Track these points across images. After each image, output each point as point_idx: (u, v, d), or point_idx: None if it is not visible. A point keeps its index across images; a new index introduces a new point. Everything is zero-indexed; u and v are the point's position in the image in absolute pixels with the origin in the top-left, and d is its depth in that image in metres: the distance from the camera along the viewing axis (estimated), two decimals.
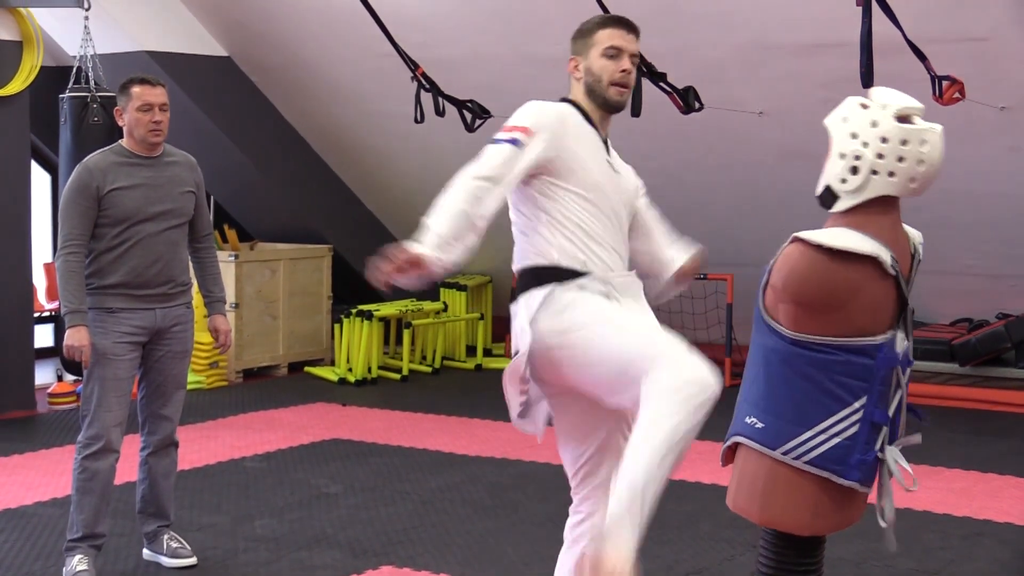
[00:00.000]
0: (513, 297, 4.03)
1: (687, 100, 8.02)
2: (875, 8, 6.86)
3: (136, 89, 5.41)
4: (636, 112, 7.72)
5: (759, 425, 3.56)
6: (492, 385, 10.28)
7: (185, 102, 10.51)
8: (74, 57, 9.00)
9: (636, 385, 3.53)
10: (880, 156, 3.47)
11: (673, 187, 9.82)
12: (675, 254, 4.25)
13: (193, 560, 5.65)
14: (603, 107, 3.99)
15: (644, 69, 7.94)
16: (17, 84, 9.00)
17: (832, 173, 3.55)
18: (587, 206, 3.89)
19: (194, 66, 10.55)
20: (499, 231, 11.89)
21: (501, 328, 11.63)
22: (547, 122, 3.89)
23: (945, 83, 7.18)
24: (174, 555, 5.64)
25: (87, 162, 5.37)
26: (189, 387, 9.79)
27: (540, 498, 6.81)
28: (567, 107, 4.00)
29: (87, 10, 8.73)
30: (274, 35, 10.46)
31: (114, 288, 5.32)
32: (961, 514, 6.47)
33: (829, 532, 3.64)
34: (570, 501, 4.22)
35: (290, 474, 7.35)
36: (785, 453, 3.52)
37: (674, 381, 3.46)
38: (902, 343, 3.56)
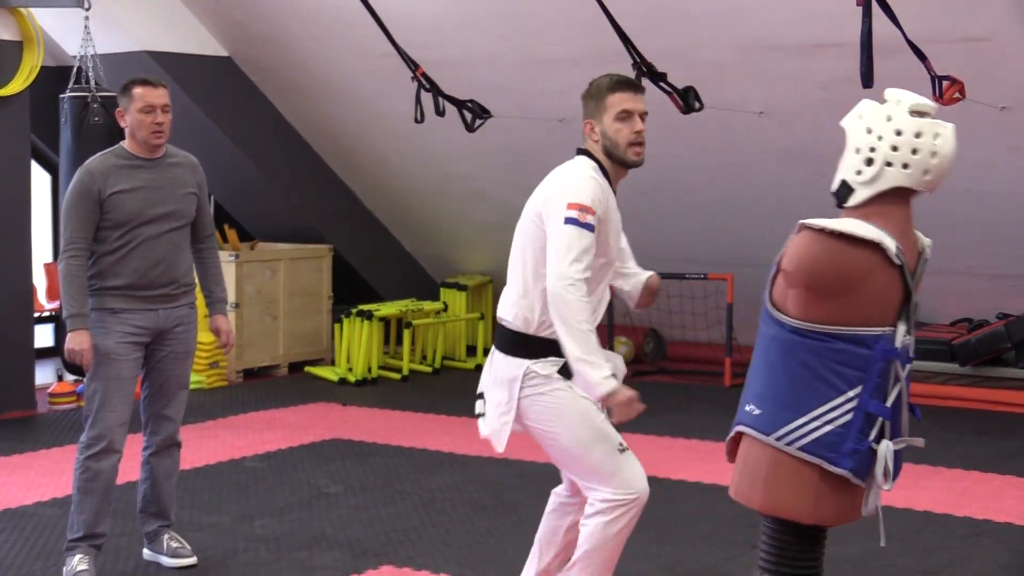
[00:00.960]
0: (504, 342, 4.37)
1: (687, 100, 8.02)
2: (875, 8, 6.86)
3: (138, 90, 5.40)
4: None
5: (757, 412, 3.64)
6: None
7: (185, 102, 10.51)
8: (74, 57, 9.00)
9: (585, 488, 4.31)
10: (894, 148, 3.54)
11: (673, 187, 9.84)
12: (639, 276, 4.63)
13: (193, 560, 5.66)
14: (622, 166, 4.30)
15: (644, 69, 7.94)
16: (17, 84, 9.00)
17: (847, 167, 3.63)
18: (598, 279, 4.27)
19: (194, 66, 10.55)
20: (498, 230, 11.95)
21: None
22: (597, 203, 4.19)
23: (945, 83, 7.17)
24: (174, 555, 5.64)
25: (88, 165, 5.37)
26: (189, 387, 9.80)
27: (540, 498, 6.77)
28: (599, 175, 4.26)
29: (87, 10, 8.73)
30: (275, 35, 10.46)
31: (117, 290, 5.32)
32: (961, 514, 6.47)
33: (831, 523, 3.66)
34: None
35: (290, 474, 7.35)
36: (779, 439, 3.57)
37: (606, 518, 4.22)
38: (903, 338, 3.59)
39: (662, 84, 8.00)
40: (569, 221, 4.13)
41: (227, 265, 10.24)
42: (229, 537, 6.10)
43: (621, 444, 4.26)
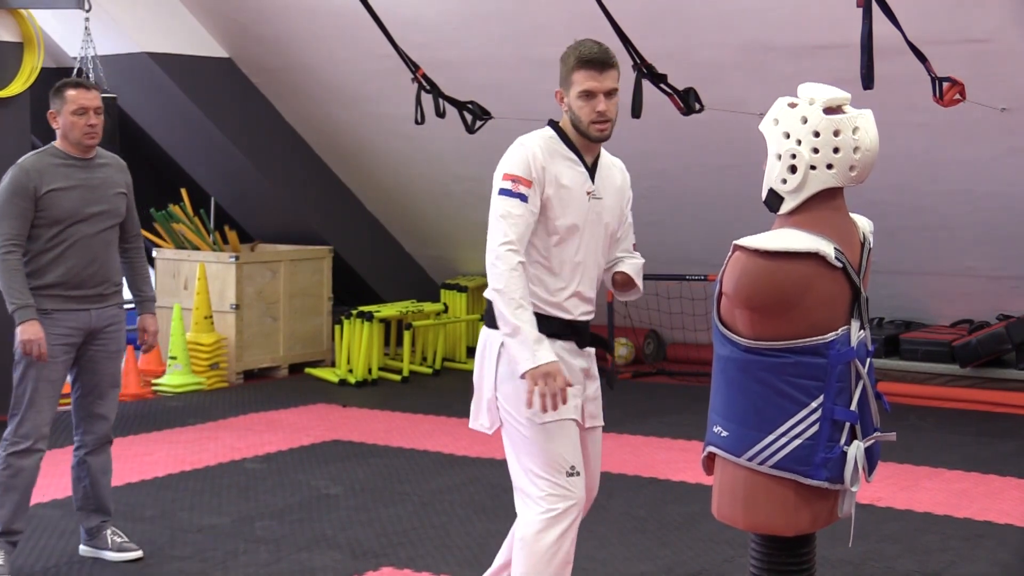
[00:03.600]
0: (488, 315, 4.29)
1: (687, 101, 8.02)
2: (876, 9, 6.86)
3: (71, 92, 5.44)
4: (636, 114, 7.73)
5: (724, 434, 3.61)
6: None
7: (186, 103, 10.52)
8: (75, 58, 9.01)
9: (515, 491, 4.27)
10: (815, 151, 3.51)
11: (673, 188, 9.84)
12: (621, 267, 4.51)
13: (139, 553, 5.69)
14: (587, 139, 4.26)
15: (645, 71, 7.94)
16: (18, 85, 8.99)
17: (772, 175, 3.60)
18: (562, 248, 4.22)
19: (195, 67, 10.55)
20: None
21: None
22: (534, 170, 4.20)
23: (946, 84, 7.18)
24: (120, 549, 5.67)
25: (23, 163, 5.42)
26: (189, 388, 9.82)
27: None
28: (543, 143, 4.26)
29: (88, 11, 8.73)
30: (275, 36, 10.46)
31: (50, 288, 5.36)
32: (962, 515, 6.46)
33: (816, 529, 3.65)
34: None
35: (290, 475, 7.35)
36: (751, 459, 3.55)
37: (534, 542, 4.15)
38: (858, 334, 3.57)
39: (662, 85, 8.00)
40: (503, 192, 4.20)
41: (227, 267, 10.25)
42: (229, 538, 6.10)
43: (572, 468, 4.18)
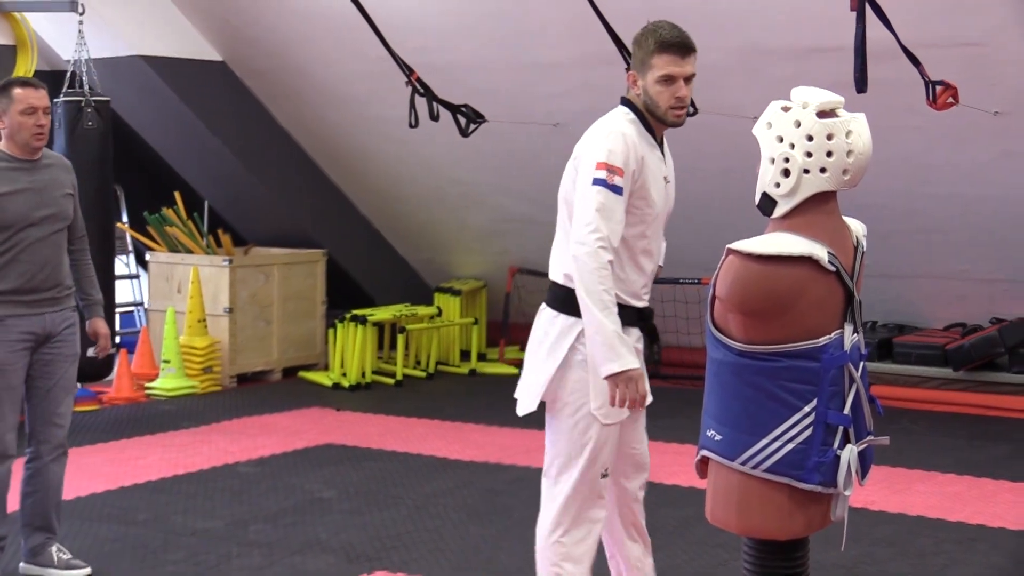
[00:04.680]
0: (554, 299, 4.28)
1: None
2: (869, 12, 6.87)
3: (19, 92, 5.28)
4: None
5: (718, 438, 3.61)
6: (486, 390, 10.32)
7: (179, 106, 10.51)
8: (68, 61, 9.00)
9: (545, 465, 4.31)
10: (809, 155, 3.51)
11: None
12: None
13: (88, 570, 5.51)
14: (663, 124, 4.20)
15: None
16: None
17: (766, 179, 3.60)
18: (644, 235, 4.18)
19: (188, 70, 10.54)
20: (492, 235, 11.91)
21: (495, 333, 11.63)
22: (633, 159, 4.09)
23: (939, 88, 7.18)
24: (67, 567, 5.48)
25: None
26: (182, 392, 9.80)
27: (534, 503, 6.75)
28: (633, 128, 4.16)
29: (81, 14, 8.72)
30: (269, 39, 10.46)
31: (3, 295, 5.23)
32: (955, 519, 6.47)
33: (809, 533, 3.64)
34: None
35: (284, 479, 7.34)
36: (744, 463, 3.54)
37: (547, 542, 4.29)
38: (851, 338, 3.57)
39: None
40: (597, 182, 4.04)
41: (220, 270, 10.24)
42: (223, 542, 6.09)
43: (607, 470, 4.22)
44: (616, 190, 4.03)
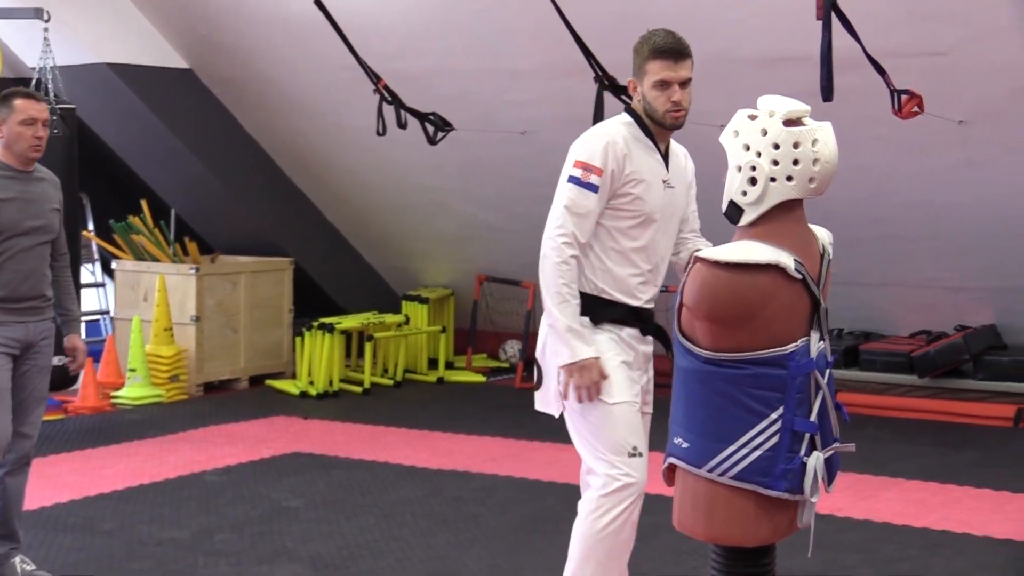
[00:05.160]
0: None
1: None
2: (835, 22, 6.90)
3: (20, 102, 5.31)
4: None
5: (685, 445, 3.63)
6: (454, 398, 10.31)
7: (146, 114, 10.47)
8: (34, 69, 8.95)
9: (583, 471, 4.35)
10: (775, 163, 3.54)
11: None
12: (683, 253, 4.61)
13: None
14: (662, 127, 4.30)
15: (607, 83, 7.96)
16: None
17: (732, 187, 3.62)
18: (637, 235, 4.28)
19: (155, 78, 10.51)
20: (460, 243, 11.90)
21: (463, 341, 11.63)
22: (613, 159, 4.20)
23: (904, 97, 7.22)
24: None
25: None
26: (149, 401, 9.75)
27: (501, 511, 6.80)
28: (624, 130, 4.28)
29: (47, 22, 8.69)
30: (236, 47, 10.43)
31: None
32: (920, 525, 6.50)
33: (776, 540, 3.66)
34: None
35: (251, 488, 7.31)
36: (711, 470, 3.56)
37: (591, 522, 4.22)
38: (817, 345, 3.58)
39: (624, 97, 8.03)
40: (572, 180, 4.19)
41: (187, 278, 10.20)
42: (189, 552, 6.06)
43: (635, 448, 4.24)
44: (590, 188, 4.16)
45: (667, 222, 4.38)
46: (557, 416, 4.40)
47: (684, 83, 4.24)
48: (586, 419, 4.26)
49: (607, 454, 4.22)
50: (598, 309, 4.27)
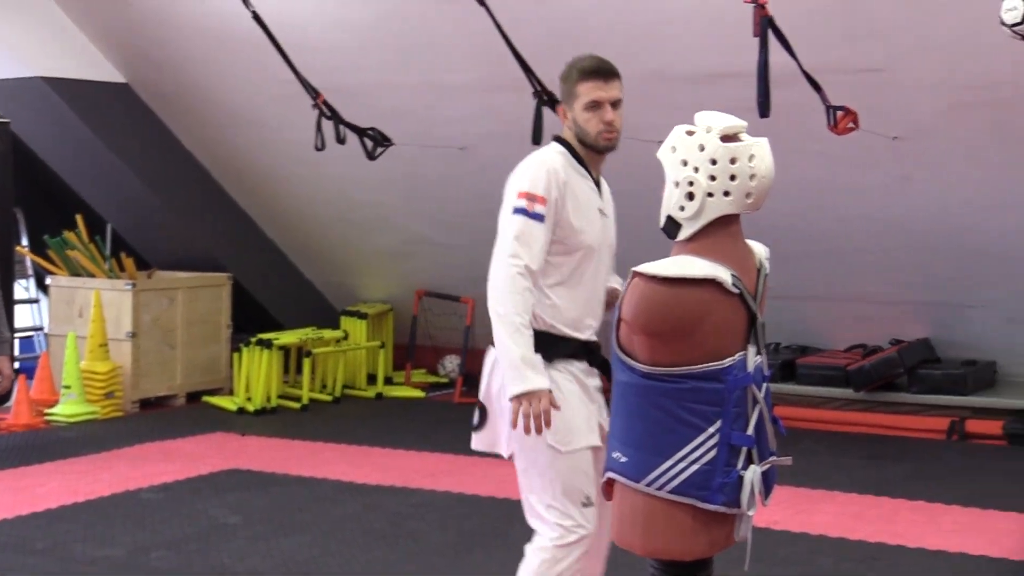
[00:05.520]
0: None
1: None
2: (772, 39, 6.97)
3: None
4: (536, 140, 7.76)
5: (623, 459, 3.63)
6: (393, 413, 10.28)
7: (81, 129, 10.37)
8: None
9: (526, 517, 4.20)
10: (712, 178, 3.55)
11: None
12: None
13: None
14: (595, 152, 4.23)
15: (544, 98, 7.99)
16: None
17: (670, 203, 3.64)
18: (580, 268, 4.17)
19: (91, 92, 10.42)
20: (399, 257, 11.86)
21: (402, 356, 11.60)
22: (555, 187, 4.12)
23: (840, 113, 7.31)
24: None
25: None
26: (83, 418, 9.65)
27: (440, 527, 6.79)
28: (560, 159, 4.19)
29: None
30: (173, 61, 10.36)
31: None
32: (856, 538, 6.55)
33: (714, 553, 3.67)
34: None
35: (187, 505, 7.25)
36: (649, 484, 3.56)
37: (544, 569, 4.09)
38: (754, 359, 3.61)
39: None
40: (518, 211, 4.07)
41: (123, 294, 10.10)
42: (124, 571, 5.99)
43: (588, 498, 4.13)
44: (537, 217, 4.06)
45: (604, 252, 4.29)
46: (506, 456, 4.25)
47: (615, 103, 4.20)
48: (539, 466, 4.13)
49: (563, 503, 4.12)
50: (550, 346, 4.12)
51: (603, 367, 4.31)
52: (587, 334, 4.24)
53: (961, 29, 7.59)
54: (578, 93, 4.19)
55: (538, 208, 4.06)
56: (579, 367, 4.20)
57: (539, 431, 3.98)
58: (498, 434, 4.25)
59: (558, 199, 4.11)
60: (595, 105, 4.17)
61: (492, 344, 4.17)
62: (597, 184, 4.29)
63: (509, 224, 4.08)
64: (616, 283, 4.39)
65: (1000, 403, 9.23)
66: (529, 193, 4.08)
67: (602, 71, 4.21)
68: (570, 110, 4.23)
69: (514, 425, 4.00)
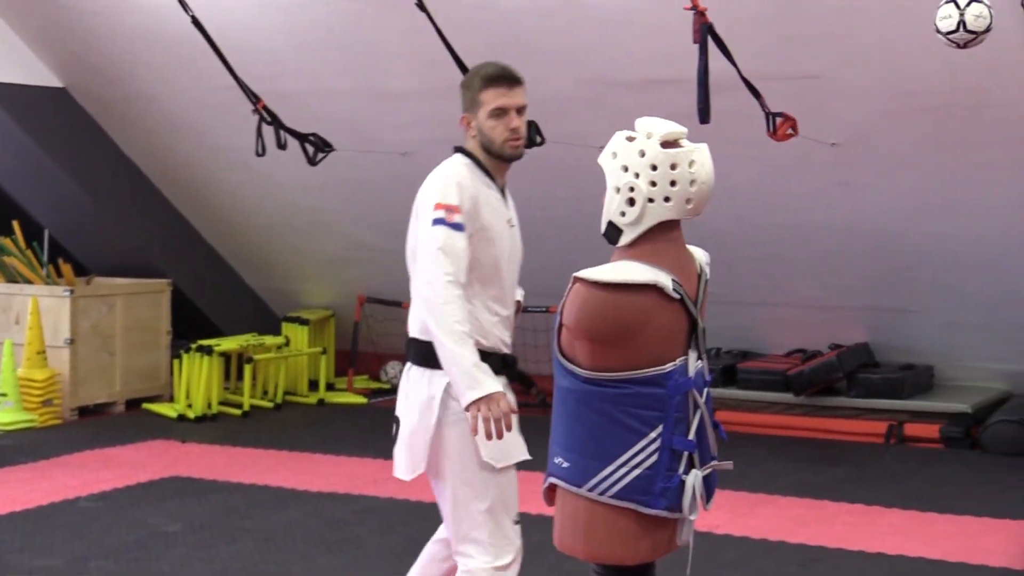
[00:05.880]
0: (417, 355, 4.15)
1: (529, 134, 8.07)
2: (712, 45, 7.02)
3: None
4: None
5: (565, 465, 3.63)
6: (335, 420, 10.24)
7: (18, 134, 10.27)
8: None
9: (455, 541, 4.14)
10: (653, 184, 3.57)
11: (520, 221, 9.90)
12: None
13: None
14: (500, 160, 4.17)
15: None
16: None
17: (611, 208, 3.65)
18: (493, 280, 4.12)
19: (28, 97, 10.31)
20: (341, 263, 11.84)
21: (344, 362, 11.56)
22: (466, 198, 4.05)
23: (779, 119, 7.36)
24: None
25: None
26: (21, 426, 9.54)
27: (382, 533, 6.77)
28: (465, 170, 4.12)
29: None
30: (112, 66, 10.28)
31: None
32: (796, 541, 6.60)
33: (656, 558, 3.68)
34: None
35: (127, 513, 7.18)
36: (591, 489, 3.57)
37: None
38: (695, 364, 3.63)
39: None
40: (437, 222, 3.98)
41: (62, 300, 10.00)
42: None
43: (518, 516, 4.11)
44: (457, 228, 3.99)
45: (514, 263, 4.25)
46: (407, 478, 4.20)
47: (520, 110, 4.15)
48: (474, 485, 4.07)
49: (499, 520, 4.08)
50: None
51: (521, 380, 4.30)
52: (507, 348, 4.22)
53: (896, 37, 7.67)
54: (482, 101, 4.13)
55: (456, 218, 4.00)
56: (502, 382, 4.11)
57: (499, 436, 3.90)
58: (415, 452, 4.15)
59: (469, 210, 4.05)
60: (501, 112, 4.13)
61: (411, 363, 4.12)
62: (503, 194, 4.24)
63: (431, 237, 3.99)
64: (519, 296, 4.38)
65: (937, 407, 9.32)
66: (445, 204, 4.01)
67: (506, 77, 4.16)
68: (474, 118, 4.16)
69: (474, 431, 3.89)
